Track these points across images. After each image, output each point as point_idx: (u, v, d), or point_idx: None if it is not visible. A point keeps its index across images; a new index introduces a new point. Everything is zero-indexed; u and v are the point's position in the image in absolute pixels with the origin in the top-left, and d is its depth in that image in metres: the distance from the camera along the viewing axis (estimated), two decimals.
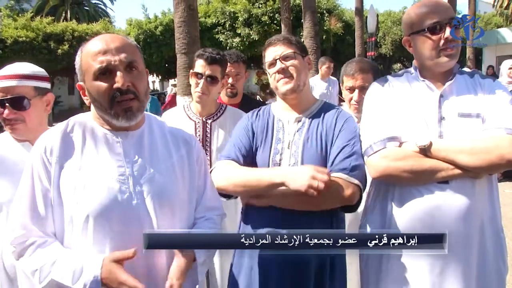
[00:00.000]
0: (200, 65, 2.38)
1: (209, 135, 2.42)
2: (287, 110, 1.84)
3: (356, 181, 1.64)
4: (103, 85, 1.32)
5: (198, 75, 2.38)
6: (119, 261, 1.27)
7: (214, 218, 1.57)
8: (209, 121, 2.44)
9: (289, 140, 1.75)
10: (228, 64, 2.82)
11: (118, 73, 1.31)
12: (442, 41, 1.65)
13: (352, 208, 1.71)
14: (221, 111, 2.50)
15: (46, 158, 1.35)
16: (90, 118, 1.44)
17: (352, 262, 2.13)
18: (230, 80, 2.86)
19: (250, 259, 1.73)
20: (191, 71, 2.42)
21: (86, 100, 1.41)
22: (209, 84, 2.37)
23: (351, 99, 2.32)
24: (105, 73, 1.32)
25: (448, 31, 1.64)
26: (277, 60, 1.78)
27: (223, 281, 2.29)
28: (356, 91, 2.28)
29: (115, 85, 1.31)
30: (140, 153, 1.42)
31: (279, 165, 1.73)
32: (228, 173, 1.70)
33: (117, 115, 1.34)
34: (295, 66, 1.77)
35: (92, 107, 1.43)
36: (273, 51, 1.81)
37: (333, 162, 1.68)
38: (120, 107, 1.33)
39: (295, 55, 1.79)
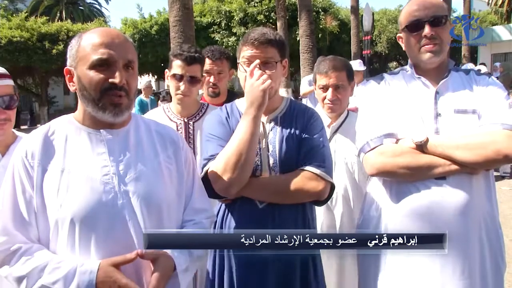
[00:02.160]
0: (177, 66, 2.28)
1: (192, 136, 2.35)
2: None
3: (328, 177, 1.65)
4: (98, 75, 1.30)
5: (176, 76, 2.28)
6: (117, 266, 1.26)
7: (204, 222, 1.53)
8: (191, 122, 2.36)
9: (265, 141, 1.72)
10: (210, 61, 2.66)
11: (117, 71, 1.31)
12: (423, 38, 1.68)
13: (322, 202, 1.74)
14: (203, 111, 2.42)
15: (27, 161, 1.33)
16: (72, 119, 1.42)
17: (332, 263, 2.15)
18: (211, 79, 2.69)
19: (229, 261, 1.70)
20: (171, 72, 2.31)
21: (72, 86, 1.38)
22: (190, 84, 2.28)
23: (324, 98, 2.26)
24: (103, 65, 1.31)
25: (427, 28, 1.66)
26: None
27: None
28: (330, 89, 2.24)
29: (112, 80, 1.30)
30: (126, 152, 1.39)
31: (261, 167, 1.70)
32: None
33: (105, 108, 1.32)
34: (272, 74, 1.67)
35: (78, 104, 1.41)
36: (252, 53, 1.68)
37: (304, 156, 1.67)
38: (110, 100, 1.31)
39: (275, 64, 1.69)
